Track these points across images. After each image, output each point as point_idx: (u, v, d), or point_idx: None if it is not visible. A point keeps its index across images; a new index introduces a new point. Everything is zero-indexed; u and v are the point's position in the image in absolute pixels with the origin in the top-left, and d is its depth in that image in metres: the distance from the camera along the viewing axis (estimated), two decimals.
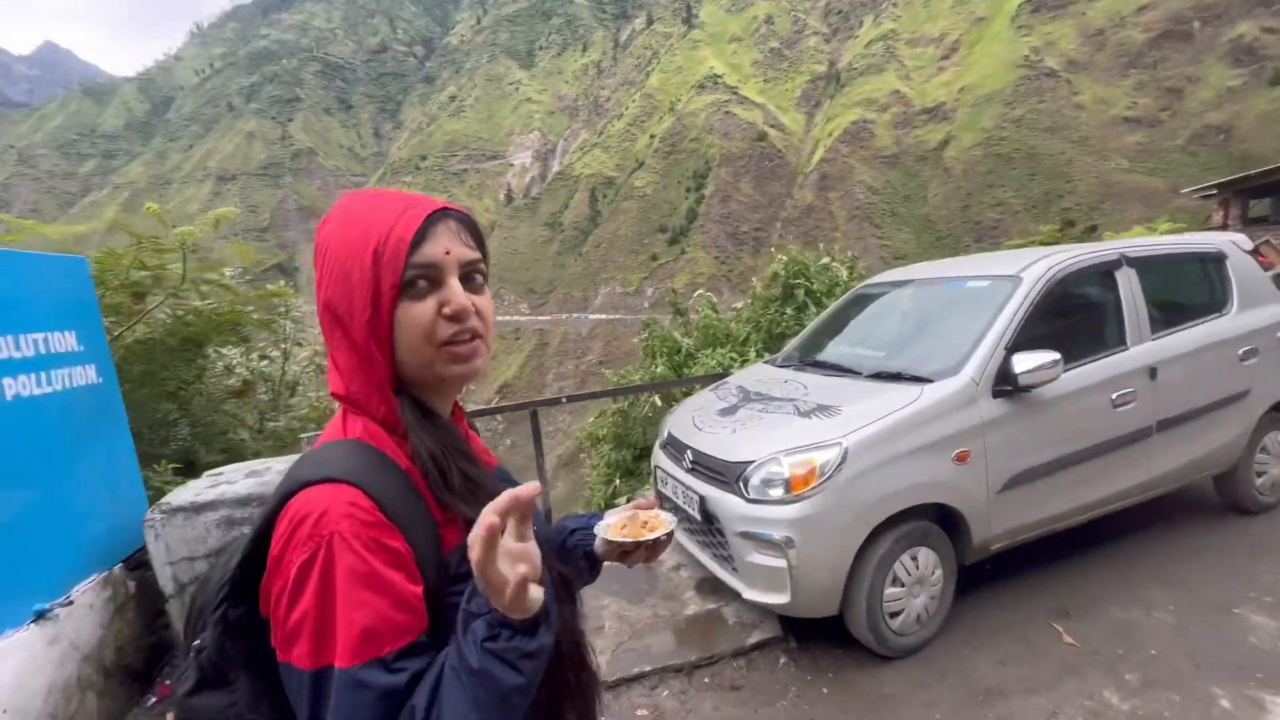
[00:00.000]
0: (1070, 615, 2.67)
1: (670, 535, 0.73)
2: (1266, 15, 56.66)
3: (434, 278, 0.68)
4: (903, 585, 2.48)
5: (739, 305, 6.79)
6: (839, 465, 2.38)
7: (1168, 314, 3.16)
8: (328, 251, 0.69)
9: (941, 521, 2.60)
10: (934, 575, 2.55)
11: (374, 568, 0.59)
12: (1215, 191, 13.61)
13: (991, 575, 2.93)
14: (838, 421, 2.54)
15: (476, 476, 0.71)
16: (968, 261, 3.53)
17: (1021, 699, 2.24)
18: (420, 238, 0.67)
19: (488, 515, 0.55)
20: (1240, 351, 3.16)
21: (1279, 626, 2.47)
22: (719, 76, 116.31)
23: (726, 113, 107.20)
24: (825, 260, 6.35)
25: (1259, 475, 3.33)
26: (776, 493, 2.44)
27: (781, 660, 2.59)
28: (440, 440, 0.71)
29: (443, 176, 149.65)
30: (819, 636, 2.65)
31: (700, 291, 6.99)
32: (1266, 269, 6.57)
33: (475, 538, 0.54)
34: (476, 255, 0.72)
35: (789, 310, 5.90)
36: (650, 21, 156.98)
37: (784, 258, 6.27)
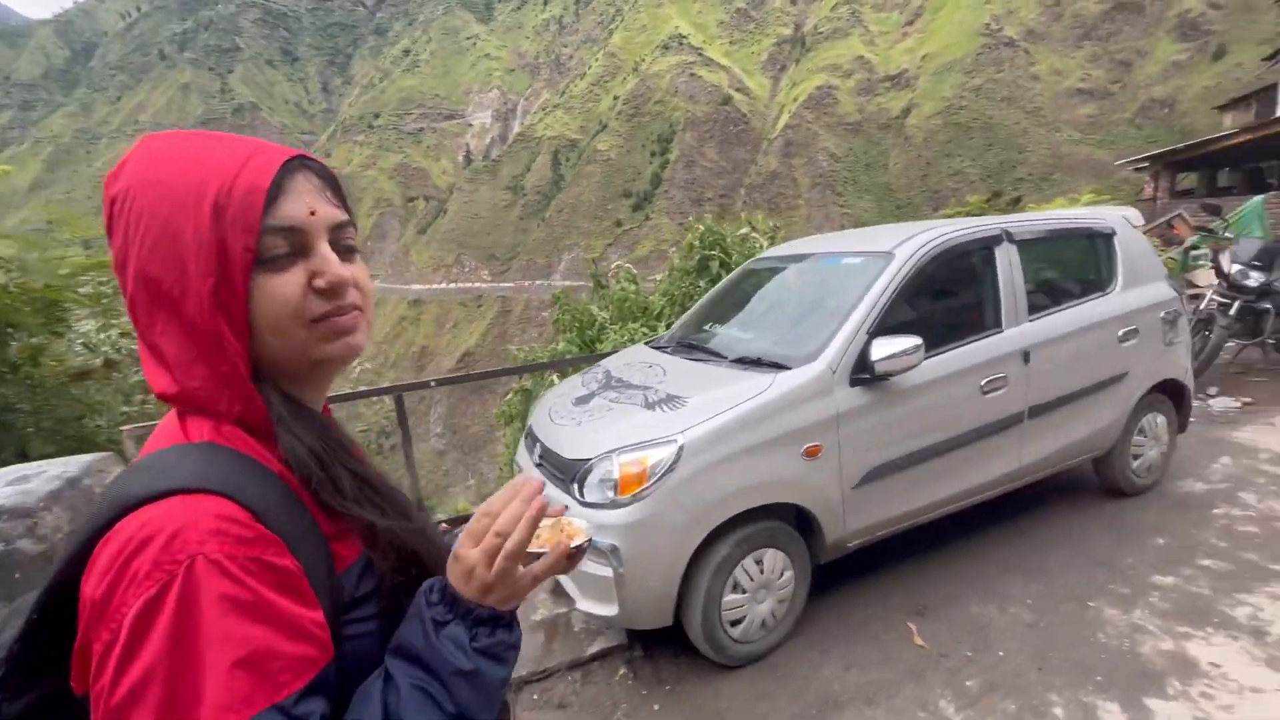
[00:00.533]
0: (926, 613, 2.55)
1: (590, 542, 0.65)
2: None
3: (299, 243, 0.57)
4: (745, 591, 2.29)
5: (659, 277, 6.50)
6: (672, 464, 2.15)
7: (1050, 293, 3.02)
8: (132, 207, 0.54)
9: (794, 519, 2.42)
10: (782, 578, 2.38)
11: (260, 594, 0.47)
12: (1147, 165, 13.86)
13: (854, 570, 2.79)
14: (680, 415, 2.30)
15: (370, 477, 0.63)
16: (853, 236, 3.31)
17: (856, 710, 2.10)
18: (275, 192, 0.55)
19: (538, 499, 0.58)
20: (1120, 332, 3.05)
21: (1128, 622, 2.39)
22: (684, 37, 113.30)
23: (691, 75, 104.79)
24: (744, 230, 6.08)
25: (1136, 458, 3.27)
26: (608, 495, 2.20)
27: (621, 671, 2.40)
28: (322, 437, 0.60)
29: (397, 136, 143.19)
30: (667, 643, 2.47)
31: (619, 262, 6.66)
32: (1179, 241, 6.63)
33: (528, 517, 0.56)
34: (346, 217, 0.61)
35: (703, 283, 5.65)
36: None
37: (700, 227, 5.98)
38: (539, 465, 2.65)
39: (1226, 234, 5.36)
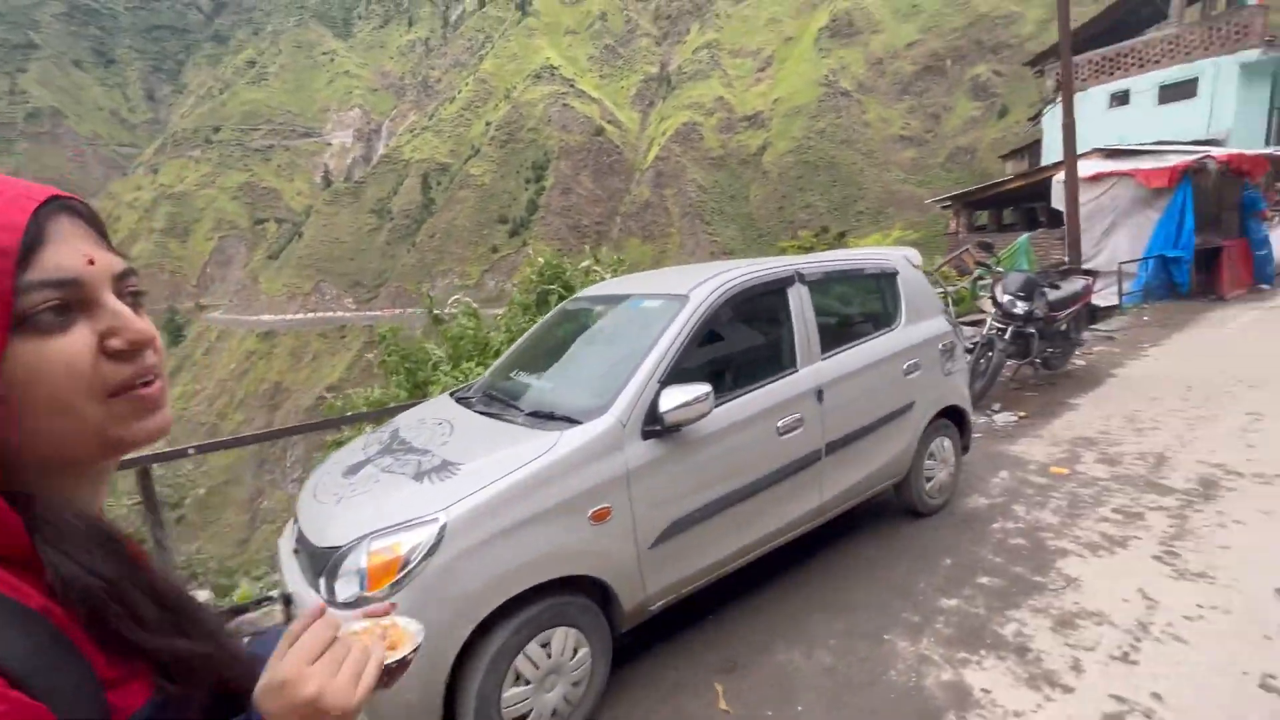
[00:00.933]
0: (735, 668, 2.46)
1: (417, 650, 0.57)
2: (995, 61, 69.95)
3: (77, 299, 0.48)
4: (529, 682, 2.03)
5: (500, 312, 6.19)
6: (431, 549, 1.85)
7: (840, 332, 3.14)
8: None
9: (588, 589, 2.21)
10: (576, 657, 2.15)
11: None
12: (950, 203, 16.13)
13: (664, 629, 2.64)
14: (449, 486, 2.02)
15: (173, 597, 0.52)
16: (660, 276, 3.26)
17: None
18: (33, 241, 0.46)
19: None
20: (905, 365, 3.25)
21: (916, 653, 2.46)
22: (555, 68, 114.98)
23: (564, 105, 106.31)
24: (587, 263, 5.99)
25: (928, 480, 3.49)
26: (355, 591, 1.85)
27: None
28: (110, 555, 0.49)
29: (242, 152, 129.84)
30: None
31: (457, 296, 6.26)
32: (968, 271, 7.57)
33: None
34: (127, 264, 0.53)
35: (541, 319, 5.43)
36: (482, 3, 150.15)
37: (540, 260, 5.80)
38: (296, 553, 2.22)
39: (998, 268, 6.20)
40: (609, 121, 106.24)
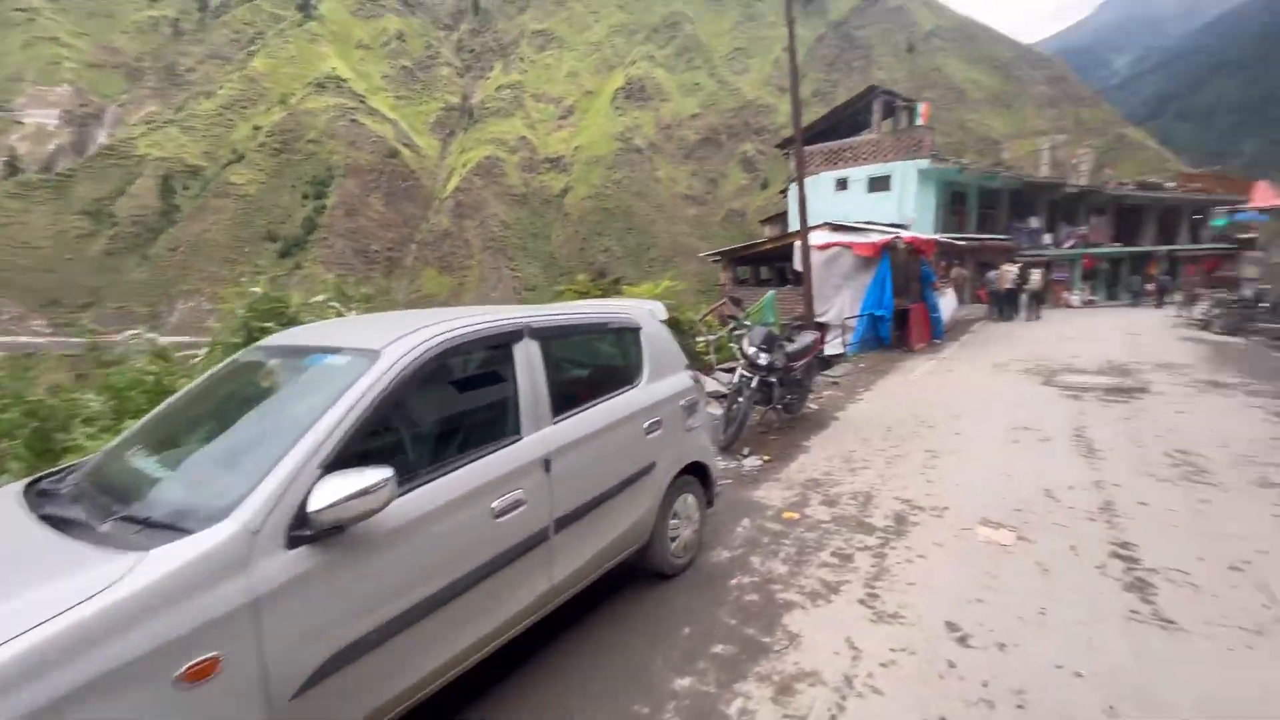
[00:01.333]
0: None
1: None
2: (759, 141, 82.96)
3: None
4: None
5: (199, 354, 4.92)
6: None
7: (575, 392, 2.90)
8: None
9: None
10: None
11: None
12: (719, 258, 18.17)
13: None
14: None
15: None
16: (371, 323, 2.72)
17: None
18: None
19: None
20: (646, 425, 3.13)
21: None
22: (343, 80, 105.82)
23: (353, 121, 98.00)
24: (321, 298, 5.08)
25: (673, 540, 3.40)
26: None
27: None
28: None
29: None
30: None
31: (136, 330, 4.84)
32: (727, 321, 8.25)
33: None
34: None
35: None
36: None
37: (257, 290, 4.76)
38: None
39: (747, 321, 6.85)
40: (405, 145, 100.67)
